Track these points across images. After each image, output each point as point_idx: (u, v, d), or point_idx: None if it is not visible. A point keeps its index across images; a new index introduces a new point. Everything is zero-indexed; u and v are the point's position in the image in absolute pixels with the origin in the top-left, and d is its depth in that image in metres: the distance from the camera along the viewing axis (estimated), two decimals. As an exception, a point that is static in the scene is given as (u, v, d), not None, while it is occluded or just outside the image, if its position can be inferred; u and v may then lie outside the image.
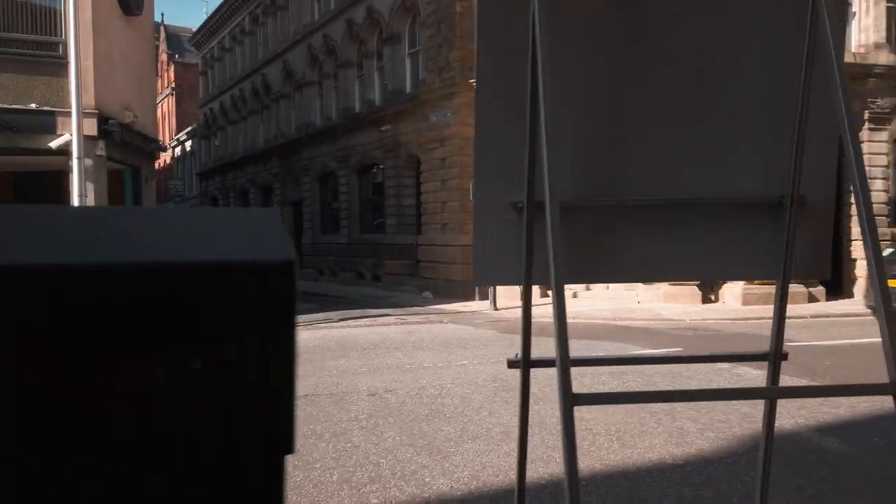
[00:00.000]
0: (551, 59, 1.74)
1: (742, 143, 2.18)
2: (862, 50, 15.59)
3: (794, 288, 14.67)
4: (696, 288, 14.57)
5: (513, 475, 2.73)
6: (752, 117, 2.17)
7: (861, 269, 15.77)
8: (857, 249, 15.79)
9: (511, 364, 2.35)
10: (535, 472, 4.07)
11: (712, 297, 14.82)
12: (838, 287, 15.90)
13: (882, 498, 3.92)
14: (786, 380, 6.94)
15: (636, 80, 2.08)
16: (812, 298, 14.82)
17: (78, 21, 10.17)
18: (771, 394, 2.51)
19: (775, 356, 2.28)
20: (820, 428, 5.26)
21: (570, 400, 1.54)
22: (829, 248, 2.39)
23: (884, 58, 15.46)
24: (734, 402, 5.93)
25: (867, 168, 15.64)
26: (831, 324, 12.13)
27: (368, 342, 9.71)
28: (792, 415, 5.58)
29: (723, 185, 2.18)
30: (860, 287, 15.76)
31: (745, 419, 5.45)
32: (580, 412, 3.74)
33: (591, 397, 3.30)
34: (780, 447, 4.81)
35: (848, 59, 15.32)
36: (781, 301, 2.27)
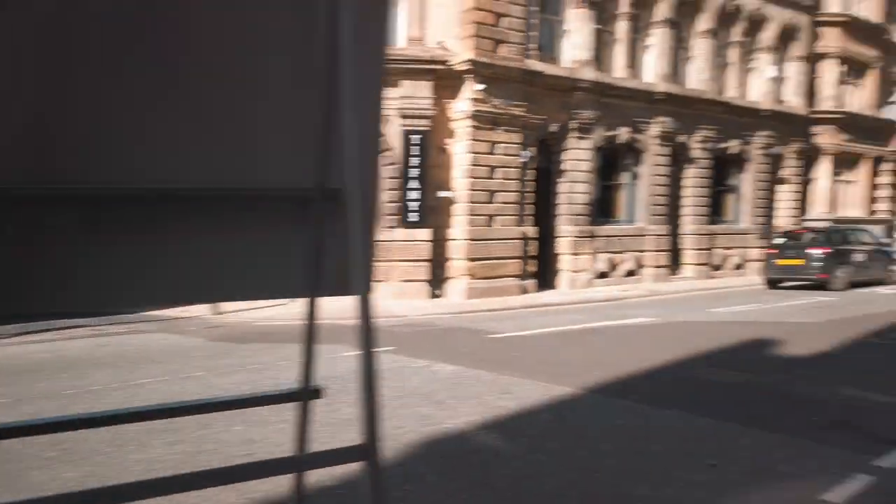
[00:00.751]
0: None
1: (266, 125, 1.76)
2: (573, 65, 17.32)
3: (509, 281, 15.89)
4: (425, 284, 15.02)
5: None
6: (277, 94, 1.76)
7: (565, 262, 17.63)
8: (563, 245, 17.61)
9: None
10: None
11: (438, 293, 15.39)
12: (545, 278, 17.58)
13: (526, 498, 4.01)
14: (478, 373, 7.19)
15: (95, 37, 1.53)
16: (524, 290, 16.13)
17: None
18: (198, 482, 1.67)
19: (306, 393, 1.96)
20: (486, 425, 5.40)
21: None
22: (368, 258, 1.96)
23: (590, 74, 17.36)
24: (418, 404, 5.92)
25: (572, 173, 17.54)
26: (537, 313, 13.24)
27: (31, 363, 8.15)
28: (469, 412, 5.69)
29: (237, 175, 1.73)
30: (565, 278, 17.61)
31: (424, 421, 5.42)
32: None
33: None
34: (444, 447, 4.82)
35: (561, 73, 16.96)
36: (310, 329, 1.94)
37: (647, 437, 5.07)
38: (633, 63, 19.09)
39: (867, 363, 8.12)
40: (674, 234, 20.50)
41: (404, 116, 14.45)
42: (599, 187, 18.58)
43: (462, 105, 15.14)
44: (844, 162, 25.92)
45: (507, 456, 4.72)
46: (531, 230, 16.37)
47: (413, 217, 14.88)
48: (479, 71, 14.91)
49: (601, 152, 18.35)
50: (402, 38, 14.78)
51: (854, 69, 25.92)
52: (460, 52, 15.00)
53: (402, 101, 14.36)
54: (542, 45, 17.14)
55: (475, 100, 14.99)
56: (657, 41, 19.22)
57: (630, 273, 18.86)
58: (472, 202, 15.35)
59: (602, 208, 18.80)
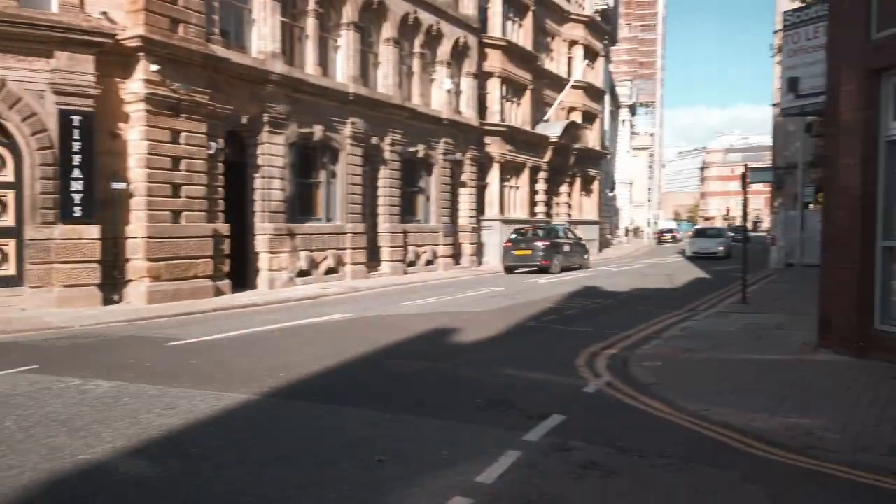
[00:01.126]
0: None
1: None
2: (261, 56, 16.64)
3: (200, 283, 14.64)
4: (96, 289, 12.98)
5: None
6: None
7: (263, 261, 16.93)
8: (261, 243, 16.88)
9: None
10: None
11: (116, 298, 13.48)
12: (243, 278, 16.70)
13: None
14: (142, 388, 6.24)
15: None
16: (219, 292, 15.04)
17: None
18: None
19: None
20: (136, 449, 4.63)
21: None
22: None
23: (279, 67, 16.85)
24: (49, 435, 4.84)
25: (267, 168, 16.86)
26: (230, 316, 12.36)
27: None
28: (116, 437, 4.82)
29: None
30: (264, 278, 16.91)
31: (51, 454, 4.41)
32: None
33: None
34: (73, 485, 3.94)
35: (249, 62, 16.15)
36: None
37: (321, 439, 4.83)
38: (325, 62, 19.16)
39: (526, 344, 9.12)
40: (372, 232, 21.16)
41: (60, 93, 12.26)
42: (297, 184, 18.23)
43: (135, 86, 13.43)
44: (510, 169, 29.64)
45: (151, 485, 4.04)
46: (224, 227, 15.29)
47: (77, 211, 12.70)
48: (154, 50, 13.38)
49: (297, 148, 18.03)
50: (53, 0, 12.55)
51: (514, 89, 29.80)
52: (130, 27, 13.29)
53: (56, 74, 12.18)
54: (228, 32, 16.17)
55: (150, 81, 13.41)
56: (346, 43, 19.58)
57: (331, 270, 18.90)
58: (153, 195, 13.75)
59: (301, 206, 18.49)
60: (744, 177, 13.79)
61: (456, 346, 8.94)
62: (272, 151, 16.96)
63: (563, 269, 22.90)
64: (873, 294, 7.24)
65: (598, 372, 7.22)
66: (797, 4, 21.72)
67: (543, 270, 22.23)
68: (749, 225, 35.33)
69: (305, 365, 7.46)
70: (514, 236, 23.51)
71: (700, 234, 36.30)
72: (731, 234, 36.36)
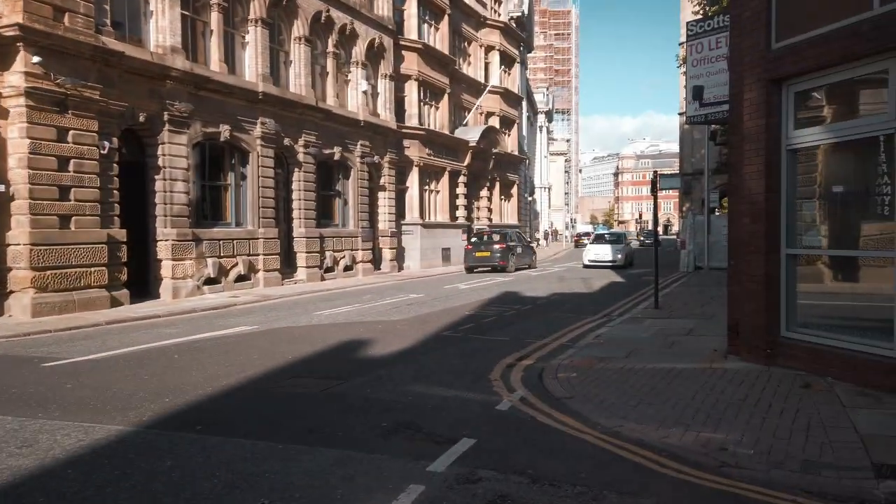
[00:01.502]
0: None
1: None
2: (159, 51, 15.59)
3: (94, 293, 13.50)
4: (-32, 301, 11.70)
5: None
6: None
7: (166, 269, 15.85)
8: (163, 250, 15.80)
9: None
10: None
11: (-7, 311, 12.22)
12: (145, 288, 15.59)
13: None
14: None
15: None
16: (116, 302, 13.92)
17: None
18: None
19: None
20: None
21: None
22: None
23: (180, 62, 15.84)
24: None
25: (169, 170, 15.80)
26: (125, 329, 11.39)
27: None
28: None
29: None
30: (167, 287, 15.83)
31: None
32: None
33: None
34: None
35: (146, 57, 15.08)
36: None
37: (198, 479, 4.26)
38: (232, 59, 18.25)
39: (440, 357, 8.75)
40: (287, 237, 20.33)
41: (-81, 84, 10.97)
42: (204, 187, 17.24)
43: (14, 79, 12.21)
44: (430, 173, 29.38)
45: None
46: (120, 233, 14.17)
47: (-57, 217, 11.41)
48: (35, 40, 12.21)
49: (202, 149, 17.04)
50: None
51: (432, 92, 29.59)
52: (8, 15, 12.07)
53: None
54: (122, 24, 15.06)
55: (31, 74, 12.23)
56: (254, 39, 18.71)
57: (242, 278, 17.97)
58: (38, 199, 12.55)
59: (208, 210, 17.50)
60: (654, 182, 14.02)
61: (366, 361, 8.46)
62: (174, 152, 15.93)
63: (517, 269, 25.71)
64: (779, 301, 7.31)
65: (513, 386, 6.94)
66: (700, 16, 22.55)
67: (501, 270, 24.90)
68: (660, 229, 35.69)
69: (196, 387, 6.80)
70: (474, 240, 26.32)
71: (598, 239, 30.50)
72: (643, 239, 36.81)
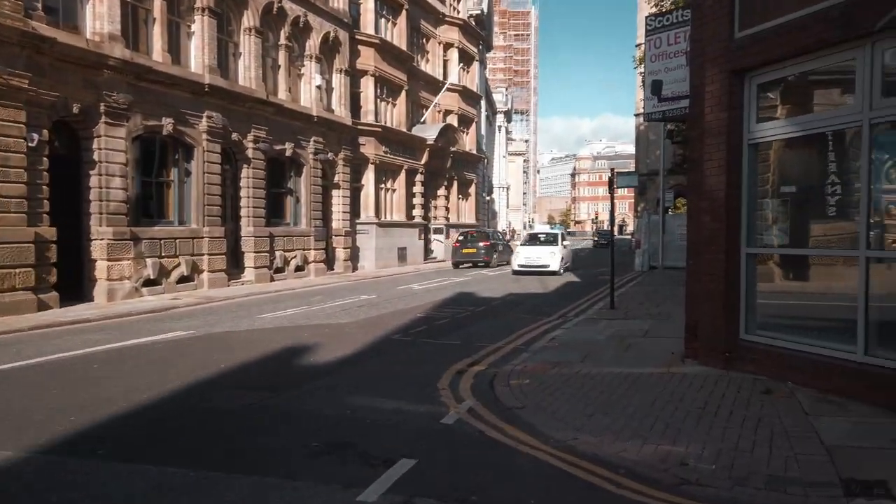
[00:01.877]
0: None
1: None
2: (97, 38, 14.66)
3: (19, 296, 12.54)
4: None
5: None
6: None
7: (101, 269, 14.92)
8: (98, 249, 14.87)
9: None
10: None
11: None
12: (79, 290, 14.63)
13: None
14: None
15: None
16: (44, 306, 12.97)
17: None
18: None
19: None
20: None
21: None
22: None
23: (119, 51, 14.93)
24: None
25: (105, 165, 14.87)
26: (47, 336, 10.52)
27: None
28: None
29: None
30: (102, 288, 14.90)
31: None
32: None
33: None
34: None
35: (81, 44, 14.14)
36: None
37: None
38: (176, 49, 17.35)
39: (387, 363, 8.24)
40: (234, 236, 19.48)
41: None
42: (144, 183, 16.32)
43: (-75, 63, 11.23)
44: (386, 171, 28.77)
45: None
46: (49, 231, 13.21)
47: None
48: (-50, 21, 11.26)
49: (142, 143, 16.13)
50: None
51: (389, 88, 28.97)
52: (-82, -9, 11.10)
53: None
54: (56, 9, 14.09)
55: (-56, 58, 11.27)
56: (200, 29, 17.84)
57: (185, 279, 17.09)
58: (-46, 195, 11.56)
59: (148, 207, 16.58)
60: (611, 181, 13.76)
61: (306, 369, 7.88)
62: (111, 146, 15.00)
63: (498, 265, 27.87)
64: (738, 303, 7.03)
65: (461, 395, 6.47)
66: (657, 11, 22.49)
67: (485, 265, 27.47)
68: (615, 229, 35.71)
69: (111, 402, 6.13)
70: (460, 238, 28.68)
71: (531, 240, 26.49)
72: (597, 239, 37.24)
